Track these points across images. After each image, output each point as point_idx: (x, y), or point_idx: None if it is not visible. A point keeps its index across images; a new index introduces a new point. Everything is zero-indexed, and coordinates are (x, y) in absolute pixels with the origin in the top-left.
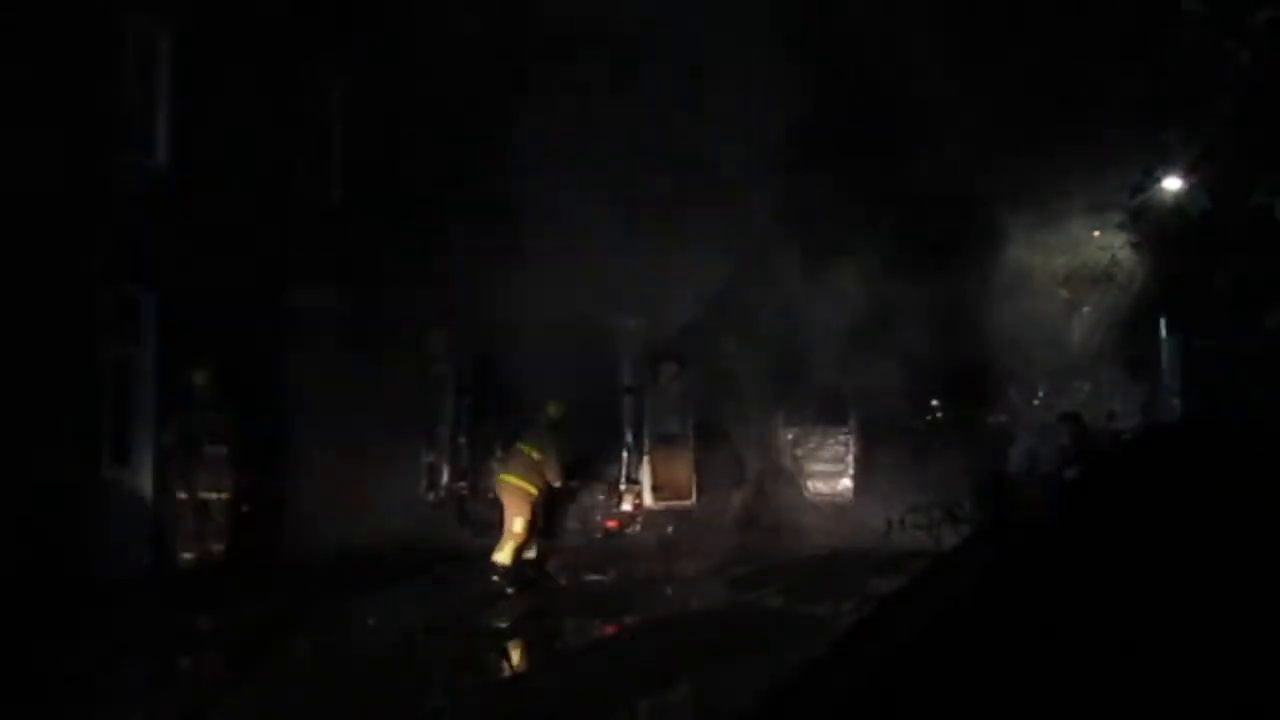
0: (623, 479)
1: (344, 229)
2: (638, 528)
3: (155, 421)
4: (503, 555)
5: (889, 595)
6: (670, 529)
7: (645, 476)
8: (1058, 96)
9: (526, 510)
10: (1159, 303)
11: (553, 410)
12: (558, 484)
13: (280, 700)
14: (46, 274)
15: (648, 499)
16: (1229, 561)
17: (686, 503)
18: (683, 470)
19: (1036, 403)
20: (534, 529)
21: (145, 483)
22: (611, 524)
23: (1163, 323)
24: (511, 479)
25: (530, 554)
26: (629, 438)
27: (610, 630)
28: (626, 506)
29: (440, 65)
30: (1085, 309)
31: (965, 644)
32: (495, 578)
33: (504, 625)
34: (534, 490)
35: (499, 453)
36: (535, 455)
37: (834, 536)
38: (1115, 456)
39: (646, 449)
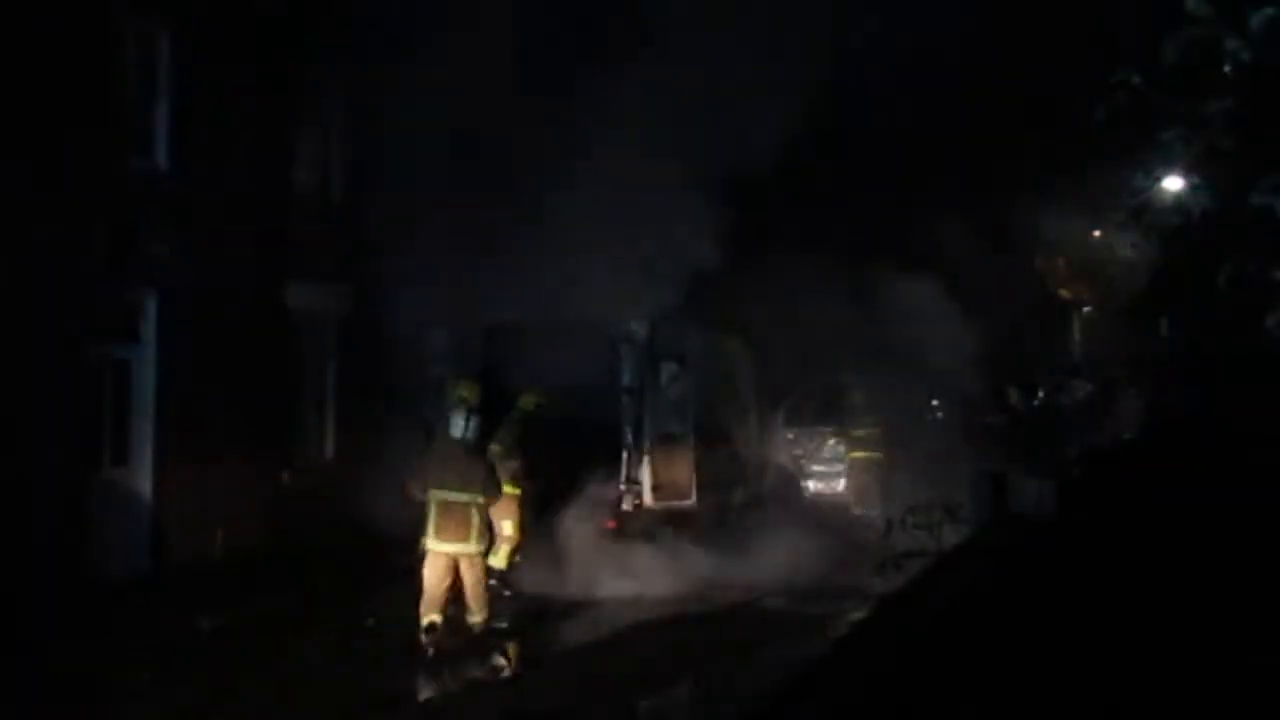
0: (623, 479)
1: (344, 229)
2: (638, 528)
3: (155, 422)
4: (497, 559)
5: (889, 595)
6: (670, 529)
7: (645, 476)
8: (1058, 95)
9: (515, 512)
10: (1159, 303)
11: (527, 402)
12: (499, 490)
13: (279, 700)
14: (47, 274)
15: (648, 499)
16: (1226, 559)
17: (686, 503)
18: (683, 470)
19: (1036, 403)
20: (525, 528)
21: (145, 483)
22: (611, 524)
23: (1163, 323)
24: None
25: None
26: (629, 438)
27: (610, 630)
28: (626, 506)
29: (441, 65)
30: (1085, 309)
31: (965, 643)
32: (492, 581)
33: (504, 625)
34: (517, 490)
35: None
36: (500, 451)
37: (834, 536)
38: (1114, 457)
39: (646, 449)
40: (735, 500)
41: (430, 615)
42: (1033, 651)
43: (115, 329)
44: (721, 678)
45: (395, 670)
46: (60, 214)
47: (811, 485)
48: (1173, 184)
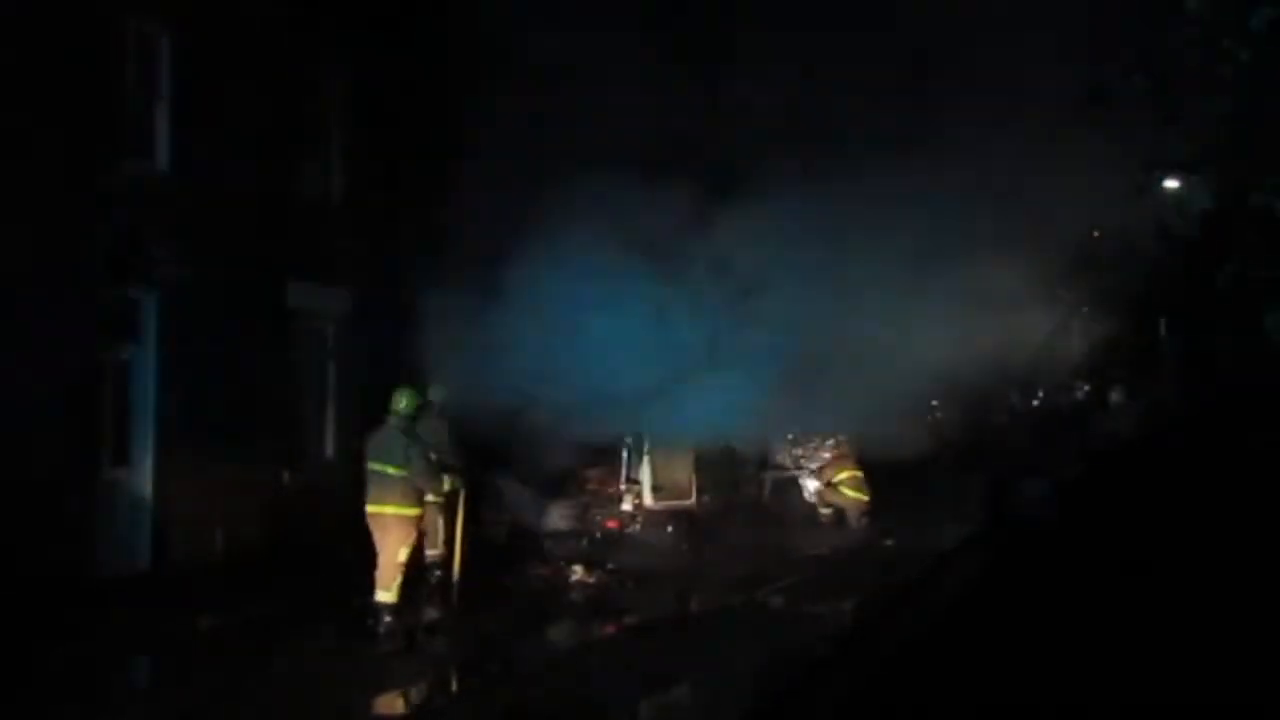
0: (623, 479)
1: (344, 229)
2: (638, 528)
3: (155, 422)
4: (389, 595)
5: (889, 595)
6: (670, 529)
7: (645, 476)
8: (1058, 95)
9: (412, 535)
10: (1159, 303)
11: (403, 404)
12: (439, 493)
13: (279, 700)
14: (46, 274)
15: (648, 499)
16: (1225, 560)
17: (686, 503)
18: (683, 470)
19: (1036, 403)
20: (423, 547)
21: (145, 483)
22: (611, 524)
23: (1163, 323)
24: (387, 509)
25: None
26: (629, 438)
27: (610, 630)
28: (626, 506)
29: (439, 65)
30: (1085, 309)
31: (964, 643)
32: (387, 618)
33: (504, 625)
34: (416, 511)
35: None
36: (394, 472)
37: (834, 536)
38: (1114, 457)
39: (646, 449)
40: (735, 500)
41: None
42: (1032, 651)
43: (116, 329)
44: (721, 677)
45: (395, 670)
46: (61, 215)
47: (811, 486)
48: (1172, 184)
